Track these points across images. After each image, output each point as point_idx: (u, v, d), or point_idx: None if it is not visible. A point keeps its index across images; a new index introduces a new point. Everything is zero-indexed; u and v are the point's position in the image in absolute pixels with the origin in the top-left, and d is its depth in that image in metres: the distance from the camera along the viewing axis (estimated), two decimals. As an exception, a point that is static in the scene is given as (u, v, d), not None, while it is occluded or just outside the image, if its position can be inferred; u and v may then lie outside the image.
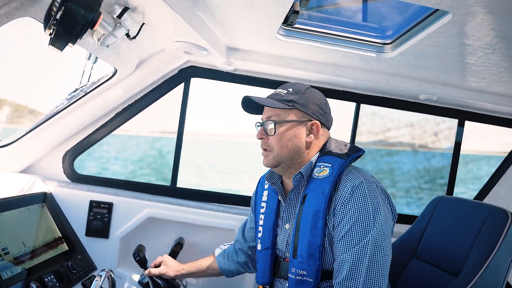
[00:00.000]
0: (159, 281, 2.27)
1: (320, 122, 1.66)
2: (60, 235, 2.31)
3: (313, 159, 1.66)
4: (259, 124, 1.72)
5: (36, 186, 2.44)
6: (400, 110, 2.84)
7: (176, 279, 2.38)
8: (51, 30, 1.30)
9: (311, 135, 1.65)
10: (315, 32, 2.10)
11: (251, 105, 1.71)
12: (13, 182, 2.32)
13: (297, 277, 1.55)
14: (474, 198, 3.15)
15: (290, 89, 1.66)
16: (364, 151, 1.68)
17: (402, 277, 2.02)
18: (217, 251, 2.20)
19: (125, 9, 1.69)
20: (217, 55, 2.25)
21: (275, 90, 1.71)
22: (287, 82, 2.63)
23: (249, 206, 2.74)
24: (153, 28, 1.94)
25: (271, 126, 1.63)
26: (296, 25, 2.02)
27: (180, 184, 2.78)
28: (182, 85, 2.64)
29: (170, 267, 2.12)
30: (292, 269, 1.57)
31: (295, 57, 2.40)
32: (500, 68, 2.06)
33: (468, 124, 2.94)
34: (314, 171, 1.62)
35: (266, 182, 1.88)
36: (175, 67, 2.54)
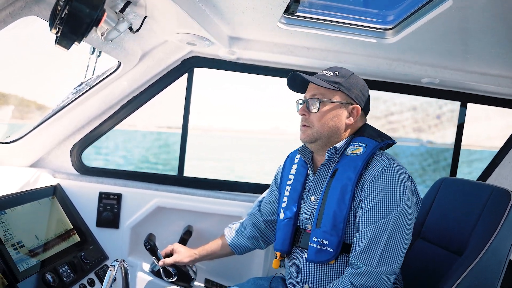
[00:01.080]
0: (170, 268, 2.32)
1: (360, 107, 1.75)
2: (72, 227, 2.37)
3: (348, 139, 1.74)
4: (301, 101, 1.80)
5: (45, 179, 2.49)
6: (403, 94, 2.85)
7: (187, 266, 2.44)
8: (57, 30, 1.32)
9: (351, 118, 1.74)
10: (316, 20, 2.11)
11: (295, 83, 1.82)
12: (23, 176, 2.36)
13: (318, 246, 1.63)
14: (477, 179, 3.17)
15: (336, 72, 1.75)
16: (395, 141, 1.76)
17: (407, 258, 2.05)
18: (226, 230, 2.28)
19: (127, 3, 1.71)
20: (219, 45, 2.26)
21: (321, 72, 1.80)
22: (290, 70, 2.67)
23: (255, 193, 2.79)
24: (155, 20, 1.96)
25: (315, 103, 1.71)
26: (297, 13, 2.03)
27: (188, 175, 2.83)
28: (186, 76, 2.66)
29: (182, 254, 2.19)
30: (314, 238, 1.64)
31: (297, 45, 2.41)
32: (502, 50, 2.07)
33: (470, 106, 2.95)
34: (348, 149, 1.71)
35: (297, 157, 1.97)
36: (178, 58, 2.55)
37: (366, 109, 1.81)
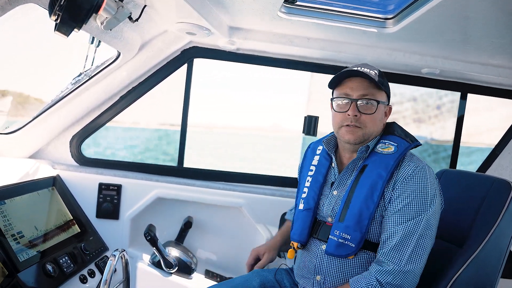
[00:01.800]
0: (170, 259, 2.33)
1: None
2: (72, 218, 2.37)
3: (379, 136, 1.74)
4: (346, 99, 1.69)
5: (45, 170, 2.48)
6: (403, 85, 2.85)
7: (188, 256, 2.45)
8: (57, 16, 1.31)
9: (386, 117, 1.77)
10: (316, 9, 2.09)
11: (341, 77, 1.71)
12: (22, 167, 2.35)
13: (339, 240, 1.62)
14: (477, 170, 3.18)
15: (376, 71, 1.70)
16: (421, 143, 1.73)
17: None
18: (288, 214, 2.26)
19: (127, -8, 1.70)
20: (219, 35, 2.25)
21: (358, 68, 1.68)
22: (290, 60, 2.66)
23: (254, 184, 2.79)
24: (155, 10, 1.94)
25: (372, 105, 1.66)
26: (297, 3, 2.02)
27: (190, 165, 2.83)
28: (185, 67, 2.65)
29: (269, 251, 2.08)
30: (336, 231, 1.63)
31: (297, 35, 2.40)
32: (503, 40, 2.06)
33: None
34: (378, 146, 1.70)
35: (319, 148, 1.95)
36: (177, 48, 2.54)
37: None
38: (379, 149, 1.69)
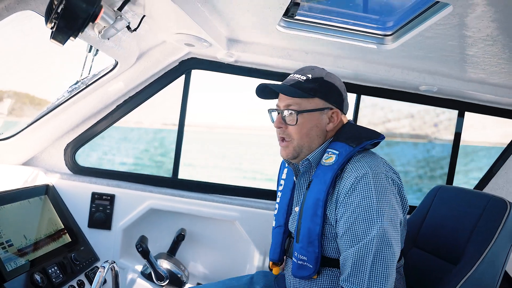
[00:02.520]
0: (162, 272, 2.29)
1: (340, 110, 1.62)
2: (63, 227, 2.33)
3: (324, 145, 1.61)
4: (275, 111, 1.65)
5: (38, 178, 2.45)
6: (400, 101, 2.85)
7: (180, 269, 2.41)
8: (53, 24, 1.30)
9: (331, 124, 1.60)
10: (316, 24, 2.10)
11: (264, 91, 1.65)
12: (15, 174, 2.33)
13: (299, 262, 1.56)
14: (474, 188, 3.17)
15: (309, 75, 1.59)
16: (383, 137, 1.57)
17: (403, 266, 2.04)
18: None
19: (126, 1, 1.69)
20: (218, 47, 2.25)
21: (291, 76, 1.63)
22: (288, 73, 2.65)
23: (251, 197, 2.77)
24: (154, 20, 1.94)
25: (292, 115, 1.57)
26: (296, 17, 2.02)
27: (185, 176, 2.80)
28: (183, 77, 2.64)
29: None
30: (295, 253, 1.58)
31: (296, 49, 2.40)
32: (500, 59, 2.06)
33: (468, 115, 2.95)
34: (323, 157, 1.57)
35: None
36: (175, 59, 2.54)
37: (344, 108, 1.66)
38: (323, 160, 1.56)
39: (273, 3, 1.71)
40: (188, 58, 2.58)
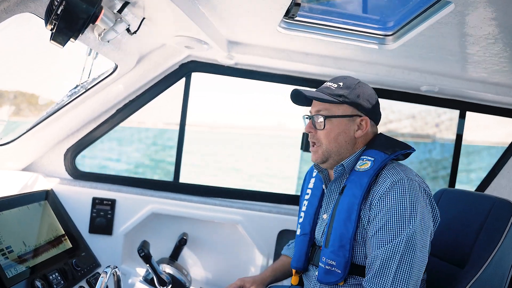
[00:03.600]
0: (164, 276, 2.27)
1: (369, 118, 1.67)
2: (63, 233, 2.31)
3: (358, 152, 1.66)
4: (307, 116, 1.72)
5: (38, 183, 2.44)
6: (401, 102, 2.84)
7: (182, 274, 2.39)
8: (53, 25, 1.29)
9: (360, 131, 1.65)
10: (316, 25, 2.09)
11: (299, 97, 1.71)
12: (15, 180, 2.31)
13: (326, 267, 1.56)
14: (476, 189, 3.15)
15: (341, 83, 1.65)
16: (413, 149, 1.65)
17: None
18: (285, 249, 2.14)
19: (126, 4, 1.68)
20: (218, 49, 2.24)
21: (325, 84, 1.71)
22: (288, 75, 2.65)
23: (252, 201, 2.75)
24: (154, 22, 1.93)
25: (320, 120, 1.63)
26: (297, 18, 2.01)
27: (188, 180, 2.79)
28: (184, 80, 2.63)
29: (256, 285, 1.92)
30: (323, 258, 1.58)
31: (296, 50, 2.39)
32: (502, 58, 2.05)
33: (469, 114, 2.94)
34: (357, 164, 1.62)
35: (314, 170, 1.89)
36: (175, 62, 2.52)
37: (376, 118, 1.72)
38: (358, 166, 1.61)
39: (273, 4, 1.70)
40: (188, 61, 2.57)
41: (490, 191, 3.07)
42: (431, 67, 2.39)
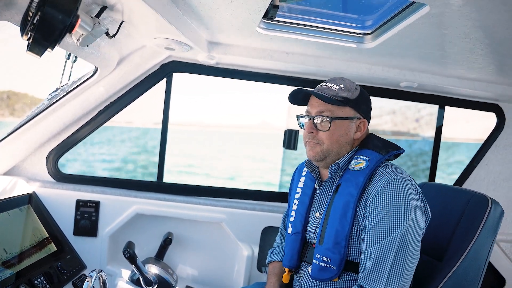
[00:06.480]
0: (150, 276, 2.28)
1: (367, 121, 1.73)
2: (48, 236, 2.30)
3: (352, 152, 1.69)
4: (305, 116, 1.71)
5: (20, 187, 2.41)
6: (382, 98, 2.87)
7: (168, 273, 2.41)
8: (29, 36, 1.28)
9: (358, 133, 1.70)
10: (295, 25, 2.10)
11: (296, 97, 1.73)
12: (-4, 185, 2.29)
13: (321, 264, 1.59)
14: (456, 181, 3.21)
15: (342, 85, 1.67)
16: (403, 150, 1.70)
17: None
18: (270, 257, 2.04)
19: (103, 8, 1.67)
20: (198, 50, 2.24)
21: (323, 84, 1.71)
22: (270, 74, 2.66)
23: (236, 199, 2.77)
24: (133, 25, 1.92)
25: (325, 121, 1.64)
26: (276, 18, 2.02)
27: (172, 180, 2.78)
28: (165, 81, 2.63)
29: None
30: (317, 255, 1.61)
31: (277, 50, 2.40)
32: (477, 55, 2.10)
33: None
34: (351, 163, 1.66)
35: (304, 169, 1.91)
36: (156, 63, 2.51)
37: (369, 119, 1.77)
38: (352, 166, 1.65)
39: (252, 6, 1.71)
40: (168, 62, 2.56)
41: (469, 183, 3.14)
42: (410, 64, 2.43)
